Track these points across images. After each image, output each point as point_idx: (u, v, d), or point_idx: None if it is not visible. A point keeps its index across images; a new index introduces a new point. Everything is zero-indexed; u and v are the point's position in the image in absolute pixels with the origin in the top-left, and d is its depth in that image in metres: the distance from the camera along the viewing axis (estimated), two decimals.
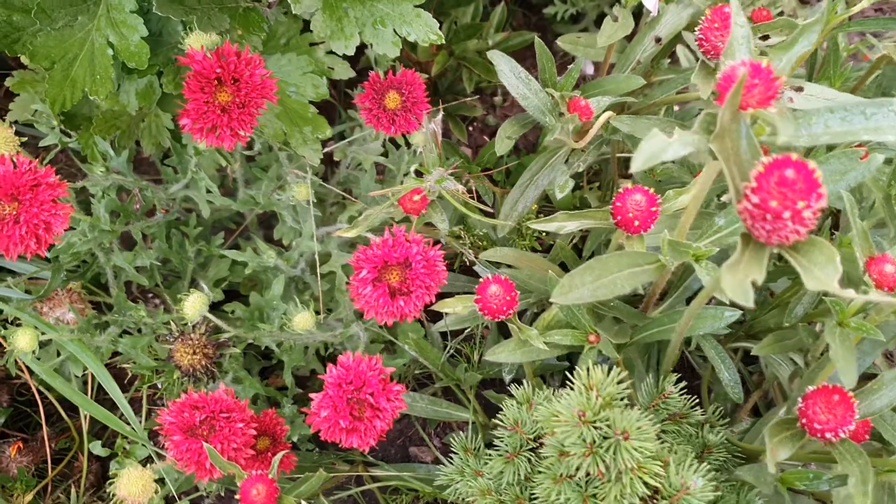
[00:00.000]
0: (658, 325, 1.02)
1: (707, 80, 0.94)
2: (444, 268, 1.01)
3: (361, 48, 1.18)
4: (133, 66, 1.05)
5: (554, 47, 2.02)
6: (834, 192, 0.84)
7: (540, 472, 0.89)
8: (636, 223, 0.90)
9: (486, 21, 1.80)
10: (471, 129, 1.89)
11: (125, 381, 1.50)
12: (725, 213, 0.87)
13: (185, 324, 1.11)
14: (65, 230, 0.90)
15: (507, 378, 1.37)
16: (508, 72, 1.13)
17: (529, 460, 0.92)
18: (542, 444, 0.93)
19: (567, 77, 1.16)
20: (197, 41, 0.98)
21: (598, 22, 1.97)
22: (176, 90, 1.17)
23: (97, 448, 1.43)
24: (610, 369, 0.79)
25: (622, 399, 0.79)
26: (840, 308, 0.85)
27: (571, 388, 0.81)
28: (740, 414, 1.36)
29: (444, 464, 1.49)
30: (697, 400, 0.99)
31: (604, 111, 1.16)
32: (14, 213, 0.87)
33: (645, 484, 0.78)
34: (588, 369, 0.78)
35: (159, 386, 1.47)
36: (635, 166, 0.57)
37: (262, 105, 0.95)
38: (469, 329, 1.35)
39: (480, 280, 1.00)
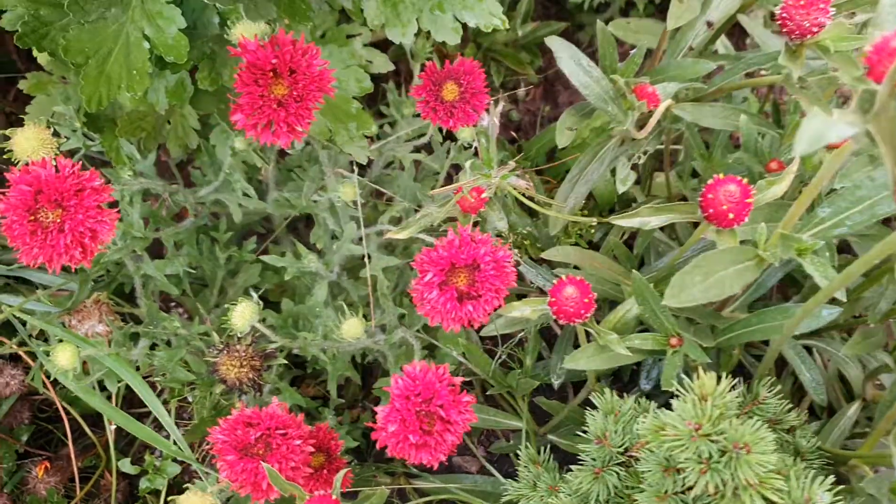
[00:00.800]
0: (745, 325, 0.95)
1: (794, 60, 0.88)
2: (513, 269, 0.94)
3: (387, 41, 1.11)
4: (171, 59, 0.98)
5: (576, 37, 1.96)
6: None
7: (631, 488, 0.83)
8: (731, 216, 0.83)
9: (513, 11, 1.73)
10: None
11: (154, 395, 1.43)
12: (829, 203, 0.81)
13: (231, 335, 1.03)
14: (112, 237, 0.83)
15: (556, 383, 1.31)
16: (568, 59, 1.06)
17: (618, 475, 0.85)
18: (630, 458, 0.86)
19: (629, 64, 1.09)
20: (246, 30, 0.90)
21: (624, 11, 1.91)
22: (212, 86, 1.09)
23: (126, 465, 1.36)
24: (719, 377, 0.73)
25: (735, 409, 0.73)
26: None
27: (676, 397, 0.75)
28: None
29: (490, 474, 1.43)
30: (791, 405, 0.93)
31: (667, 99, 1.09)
32: (58, 220, 0.80)
33: (763, 498, 0.71)
34: (699, 377, 0.72)
35: (190, 399, 1.39)
36: (799, 149, 0.51)
37: (319, 98, 0.87)
38: (523, 333, 1.28)
39: (554, 281, 0.94)
